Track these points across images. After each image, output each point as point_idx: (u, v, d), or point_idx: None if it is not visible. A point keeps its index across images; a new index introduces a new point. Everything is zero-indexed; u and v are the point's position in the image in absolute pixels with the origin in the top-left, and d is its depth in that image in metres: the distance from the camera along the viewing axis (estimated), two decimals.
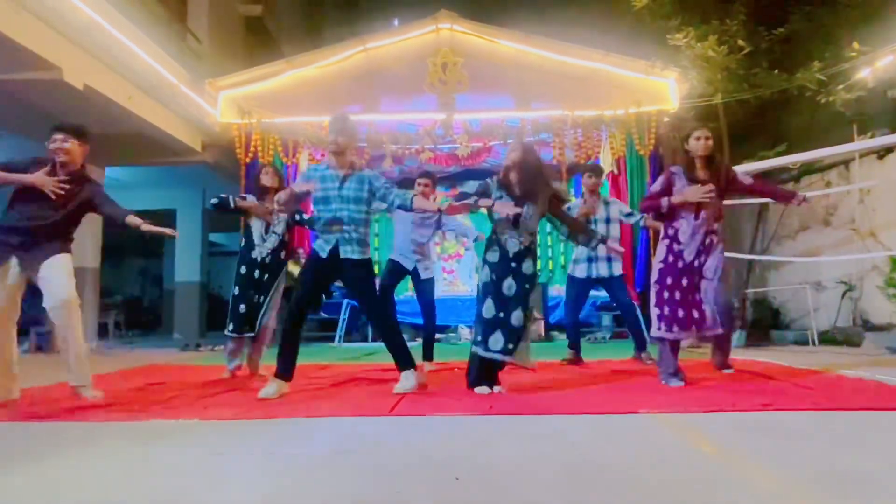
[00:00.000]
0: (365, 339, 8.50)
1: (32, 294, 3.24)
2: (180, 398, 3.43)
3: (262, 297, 4.38)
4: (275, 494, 1.74)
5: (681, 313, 3.56)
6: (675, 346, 3.63)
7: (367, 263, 3.61)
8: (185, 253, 11.78)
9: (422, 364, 4.74)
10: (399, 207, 3.57)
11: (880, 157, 6.40)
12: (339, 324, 8.24)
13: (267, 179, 4.47)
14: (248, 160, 8.13)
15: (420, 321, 5.03)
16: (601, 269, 4.91)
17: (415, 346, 4.39)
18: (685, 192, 3.57)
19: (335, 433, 2.52)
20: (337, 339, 8.20)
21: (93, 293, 8.37)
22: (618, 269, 4.98)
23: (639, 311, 5.25)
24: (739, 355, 5.49)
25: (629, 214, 5.13)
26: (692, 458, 2.06)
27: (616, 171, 8.07)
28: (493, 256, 3.52)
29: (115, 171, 9.04)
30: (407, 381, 3.48)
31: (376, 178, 3.61)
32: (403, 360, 3.56)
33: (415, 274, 4.73)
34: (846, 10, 6.62)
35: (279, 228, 4.43)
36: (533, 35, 7.95)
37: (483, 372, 3.47)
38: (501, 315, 3.41)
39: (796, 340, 6.88)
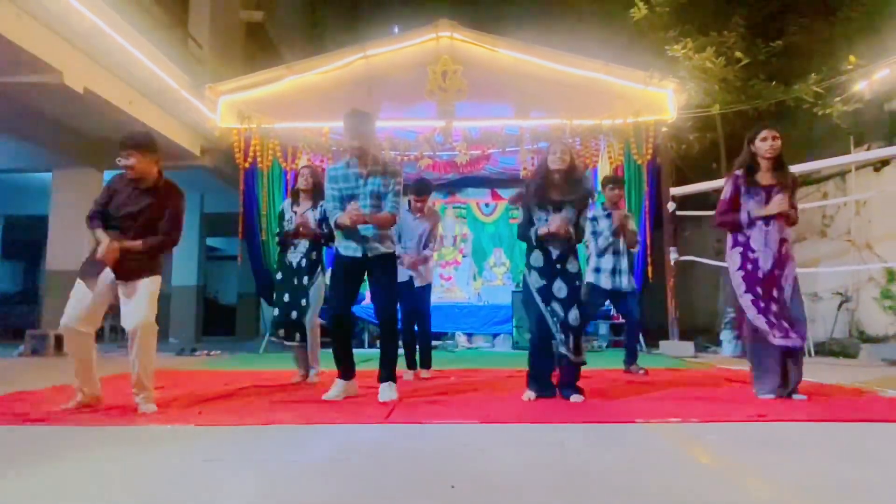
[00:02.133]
0: (361, 346, 8.48)
1: (26, 300, 3.24)
2: (176, 404, 3.42)
3: (300, 301, 4.38)
4: (270, 501, 1.74)
5: (774, 320, 3.31)
6: (782, 356, 3.34)
7: (393, 257, 3.62)
8: (182, 257, 11.76)
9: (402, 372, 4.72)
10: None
11: (876, 170, 6.44)
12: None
13: (302, 182, 4.49)
14: (247, 165, 8.14)
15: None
16: (624, 283, 4.95)
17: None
18: (769, 206, 3.35)
19: (331, 440, 2.52)
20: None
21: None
22: (635, 283, 5.09)
23: (641, 327, 5.34)
24: (736, 366, 5.50)
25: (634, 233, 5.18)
26: (688, 467, 2.07)
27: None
28: (538, 261, 3.48)
29: (113, 175, 9.03)
30: (388, 391, 3.46)
31: (395, 175, 3.55)
32: (388, 371, 3.55)
33: (410, 283, 4.70)
34: (843, 23, 6.69)
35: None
36: (532, 44, 8.00)
37: (570, 380, 3.47)
38: (561, 316, 3.41)
39: None
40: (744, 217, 3.43)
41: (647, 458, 2.19)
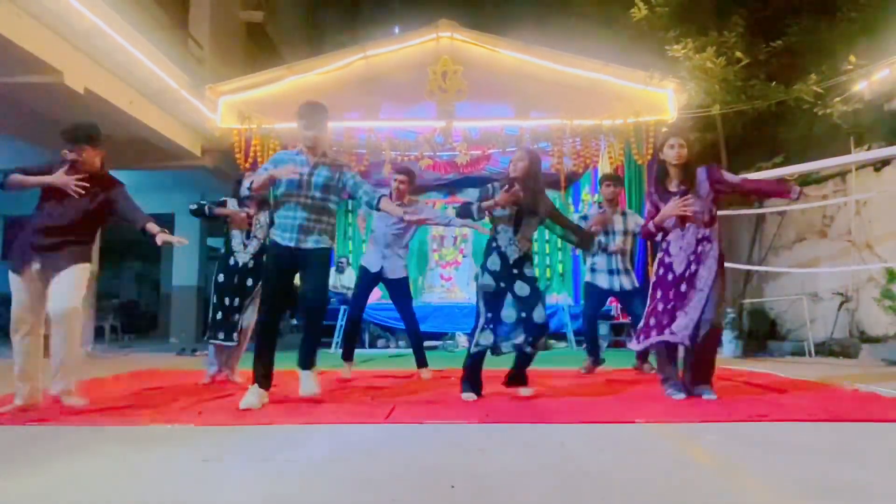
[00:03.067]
0: (361, 346, 8.49)
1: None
2: (176, 403, 3.42)
3: (243, 302, 4.34)
4: (270, 501, 1.74)
5: (652, 321, 3.48)
6: (671, 355, 3.55)
7: (326, 253, 3.50)
8: (182, 257, 11.78)
9: (418, 371, 4.71)
10: (366, 205, 3.52)
11: (877, 170, 6.44)
12: (336, 329, 8.22)
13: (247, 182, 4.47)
14: (247, 165, 8.14)
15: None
16: (624, 283, 4.91)
17: (402, 353, 4.35)
18: (664, 209, 3.50)
19: (330, 440, 2.52)
20: (333, 344, 8.17)
21: (90, 296, 8.36)
22: (636, 282, 5.02)
23: None
24: (736, 366, 5.50)
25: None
26: (687, 468, 2.07)
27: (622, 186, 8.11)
28: (494, 264, 3.53)
29: (113, 175, 9.04)
30: (311, 381, 3.44)
31: (349, 170, 3.56)
32: (308, 359, 3.50)
33: (382, 276, 4.64)
34: (843, 23, 6.68)
35: (260, 233, 4.39)
36: (532, 45, 8.00)
37: (477, 377, 3.60)
38: (524, 315, 3.47)
39: (793, 351, 6.89)
40: (649, 225, 3.60)
41: (647, 458, 2.19)
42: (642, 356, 4.90)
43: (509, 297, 3.53)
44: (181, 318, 11.59)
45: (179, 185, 10.53)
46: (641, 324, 3.59)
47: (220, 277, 4.38)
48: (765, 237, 7.81)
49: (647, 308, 3.59)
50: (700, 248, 3.47)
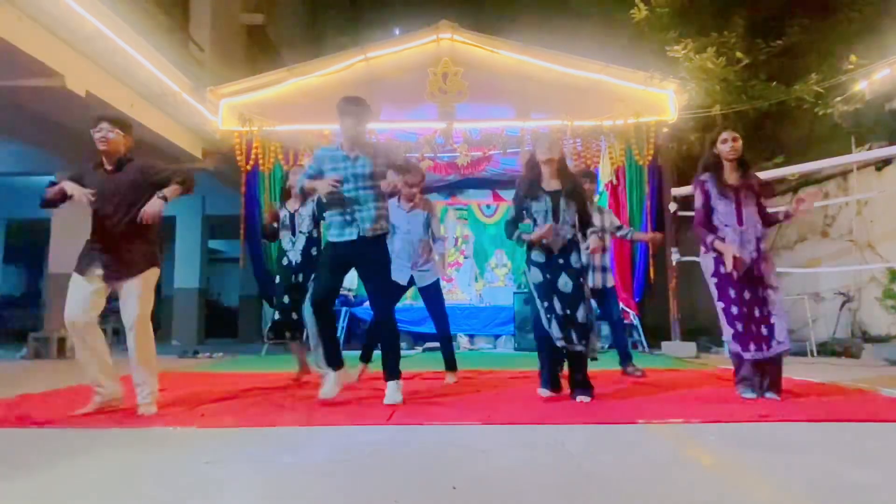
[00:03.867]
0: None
1: (28, 303, 3.23)
2: (178, 405, 3.43)
3: (303, 298, 4.41)
4: (272, 503, 1.74)
5: (754, 329, 3.32)
6: (753, 363, 3.39)
7: (381, 241, 3.52)
8: (184, 259, 11.79)
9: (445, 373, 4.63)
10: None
11: (878, 169, 6.44)
12: (339, 331, 8.23)
13: (294, 179, 4.52)
14: (248, 168, 8.16)
15: (423, 329, 4.87)
16: (596, 280, 4.81)
17: (412, 353, 4.34)
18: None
19: (333, 442, 2.52)
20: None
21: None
22: (610, 281, 4.90)
23: (638, 321, 5.22)
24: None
25: (619, 228, 5.06)
26: (690, 468, 2.07)
27: (615, 182, 8.10)
28: (539, 257, 3.47)
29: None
30: (396, 392, 3.43)
31: (389, 152, 3.66)
32: (392, 370, 3.51)
33: (412, 283, 4.55)
34: (843, 23, 6.69)
35: (304, 227, 4.49)
36: (533, 46, 8.00)
37: (556, 372, 3.55)
38: (569, 312, 3.39)
39: (795, 352, 6.87)
40: (717, 223, 3.45)
41: (649, 459, 2.19)
42: (627, 359, 4.84)
43: (556, 289, 3.41)
44: (183, 320, 11.60)
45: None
46: (731, 329, 3.34)
47: (277, 279, 4.56)
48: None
49: (722, 309, 3.38)
50: (762, 246, 3.39)
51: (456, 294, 9.92)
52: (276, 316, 4.49)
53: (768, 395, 3.34)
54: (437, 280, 4.64)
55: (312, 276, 4.38)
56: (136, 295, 3.17)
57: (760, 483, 1.87)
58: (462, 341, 8.68)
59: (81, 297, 3.12)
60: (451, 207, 10.39)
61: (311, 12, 16.59)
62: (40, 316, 9.26)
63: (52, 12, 5.33)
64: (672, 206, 7.45)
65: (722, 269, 3.38)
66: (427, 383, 4.50)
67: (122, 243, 3.15)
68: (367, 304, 7.27)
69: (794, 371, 4.83)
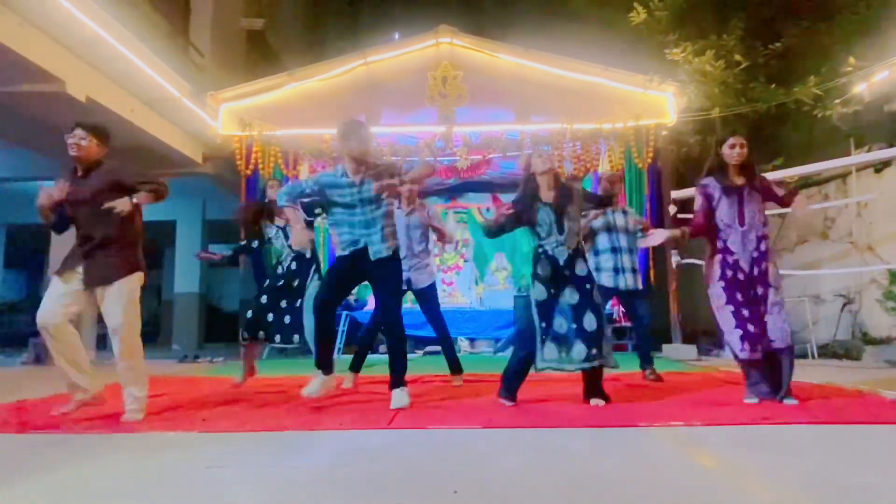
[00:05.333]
0: (374, 351, 8.47)
1: (28, 308, 3.22)
2: (178, 410, 3.43)
3: (297, 302, 4.40)
4: None
5: (754, 329, 3.33)
6: (758, 364, 3.40)
7: (395, 257, 3.55)
8: (184, 264, 11.79)
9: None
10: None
11: (877, 171, 6.44)
12: (338, 335, 8.22)
13: (272, 193, 4.56)
14: (248, 172, 8.17)
15: (424, 333, 4.85)
16: (629, 282, 4.78)
17: (413, 357, 4.33)
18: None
19: (334, 446, 2.52)
20: (336, 350, 8.17)
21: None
22: (641, 283, 4.90)
23: (648, 328, 5.17)
24: (738, 368, 5.48)
25: (638, 231, 5.03)
26: (691, 471, 2.06)
27: (621, 183, 8.12)
28: (545, 270, 3.43)
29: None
30: (401, 398, 3.43)
31: (393, 167, 3.65)
32: (397, 378, 3.52)
33: (408, 285, 4.55)
34: (842, 25, 6.70)
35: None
36: (532, 49, 8.02)
37: (517, 384, 3.48)
38: (574, 326, 3.34)
39: (796, 354, 6.86)
40: (719, 223, 3.46)
41: (650, 463, 2.19)
42: (648, 362, 4.82)
43: (560, 304, 3.37)
44: (183, 324, 11.60)
45: (181, 192, 10.52)
46: (740, 331, 3.34)
47: (266, 281, 4.56)
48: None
49: (732, 312, 3.38)
50: (764, 246, 3.41)
51: (456, 297, 9.91)
52: (249, 314, 4.44)
53: (787, 401, 3.29)
54: (433, 283, 4.66)
55: (310, 282, 4.41)
56: (117, 302, 3.10)
57: (762, 485, 1.86)
58: (463, 345, 8.67)
59: (54, 297, 3.10)
60: (451, 211, 10.39)
61: (312, 17, 16.63)
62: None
63: (53, 18, 5.35)
64: (672, 209, 7.45)
65: (729, 273, 3.40)
66: (428, 387, 4.49)
67: (98, 249, 3.12)
68: (366, 308, 7.28)
69: (796, 373, 4.81)
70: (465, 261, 10.28)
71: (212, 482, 2.00)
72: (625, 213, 4.99)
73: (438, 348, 4.93)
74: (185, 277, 11.84)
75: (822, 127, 6.61)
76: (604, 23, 9.75)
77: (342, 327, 8.28)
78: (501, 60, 8.08)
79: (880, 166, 6.37)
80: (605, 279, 4.82)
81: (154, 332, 14.46)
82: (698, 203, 3.57)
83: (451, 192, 10.19)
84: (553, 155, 3.70)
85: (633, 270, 4.84)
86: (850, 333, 6.72)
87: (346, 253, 3.51)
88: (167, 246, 13.55)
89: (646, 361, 4.82)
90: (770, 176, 6.40)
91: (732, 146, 3.49)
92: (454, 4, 13.73)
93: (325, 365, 3.54)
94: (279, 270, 4.52)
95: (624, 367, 5.24)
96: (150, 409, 3.34)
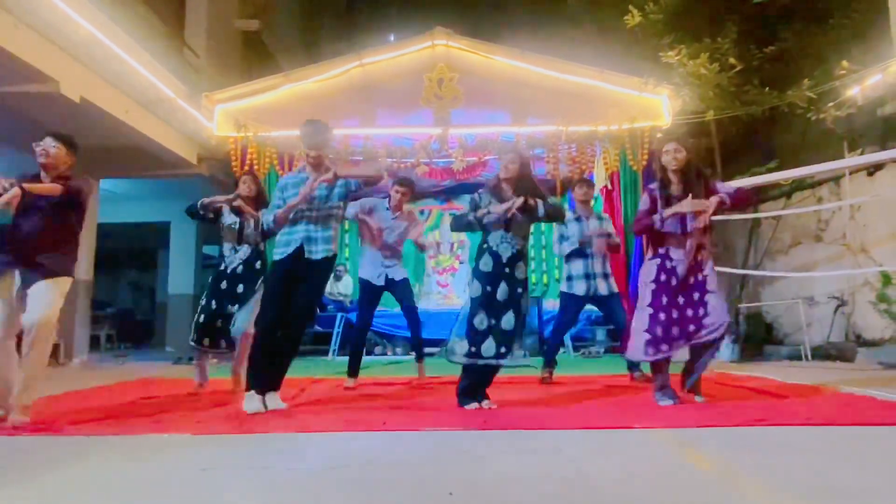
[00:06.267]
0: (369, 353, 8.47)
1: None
2: (172, 412, 3.41)
3: (235, 307, 4.35)
4: None
5: (675, 331, 3.42)
6: (667, 362, 3.52)
7: (330, 262, 3.52)
8: (178, 265, 11.74)
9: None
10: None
11: (870, 174, 6.48)
12: (333, 337, 8.21)
13: (244, 189, 4.48)
14: (243, 173, 8.13)
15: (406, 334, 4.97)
16: (601, 287, 4.79)
17: (405, 359, 4.34)
18: (678, 204, 3.45)
19: (328, 448, 2.51)
20: (331, 352, 8.16)
21: (85, 306, 8.32)
22: (615, 287, 4.91)
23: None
24: (733, 370, 5.51)
25: (610, 235, 5.03)
26: (687, 473, 2.07)
27: (609, 187, 8.14)
28: (486, 265, 3.46)
29: (109, 183, 9.05)
30: (276, 401, 3.41)
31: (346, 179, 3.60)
32: (275, 380, 3.49)
33: (390, 284, 4.70)
34: (835, 29, 6.74)
35: (251, 239, 4.41)
36: (528, 52, 8.04)
37: (472, 387, 3.46)
38: (493, 322, 3.37)
39: (790, 355, 6.90)
40: (656, 219, 3.52)
41: (645, 464, 2.19)
42: (634, 365, 4.83)
43: (491, 300, 3.39)
44: (177, 326, 11.53)
45: (175, 193, 10.49)
46: (649, 335, 3.43)
47: (210, 279, 4.51)
48: (760, 242, 7.84)
49: (650, 315, 3.46)
50: (700, 256, 3.48)
51: (451, 299, 9.92)
52: (202, 319, 4.38)
53: (697, 398, 3.46)
54: (407, 277, 4.86)
55: (255, 290, 4.35)
56: (48, 292, 3.03)
57: (756, 486, 1.87)
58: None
59: None
60: (447, 212, 10.39)
61: (307, 18, 16.61)
62: None
63: (47, 18, 5.32)
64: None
65: (662, 277, 3.49)
66: (423, 390, 4.49)
67: (35, 252, 3.05)
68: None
69: (789, 375, 4.84)
70: (461, 262, 10.29)
71: (206, 484, 1.99)
72: (600, 219, 5.01)
73: (437, 349, 5.15)
74: (179, 279, 11.79)
75: (816, 130, 6.64)
76: (599, 26, 9.79)
77: (337, 328, 8.28)
78: (497, 62, 8.09)
79: (873, 169, 6.41)
80: (578, 288, 4.83)
81: (148, 334, 14.40)
82: (644, 202, 3.66)
83: (447, 194, 10.19)
84: (523, 159, 3.69)
85: (605, 275, 4.86)
86: (843, 335, 6.76)
87: (284, 257, 3.48)
88: (161, 247, 13.50)
89: (633, 364, 4.80)
90: (764, 179, 6.48)
91: (667, 152, 3.57)
92: (450, 7, 13.74)
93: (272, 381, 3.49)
94: (222, 266, 4.42)
95: (616, 369, 5.27)
96: (145, 411, 3.33)
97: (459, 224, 3.60)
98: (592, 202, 5.47)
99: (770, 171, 6.70)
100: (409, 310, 4.79)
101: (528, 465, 2.18)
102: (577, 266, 4.83)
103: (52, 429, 2.90)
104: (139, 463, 2.32)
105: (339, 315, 8.40)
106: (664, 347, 3.42)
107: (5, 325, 3.03)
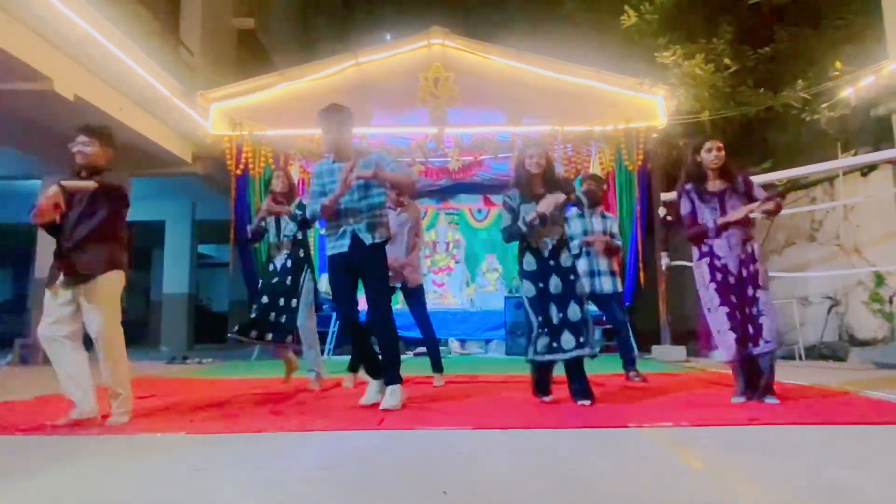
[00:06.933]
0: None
1: (14, 309, 3.14)
2: (167, 412, 3.40)
3: (292, 301, 4.38)
4: None
5: (743, 331, 3.38)
6: (744, 364, 3.43)
7: (381, 248, 3.50)
8: (173, 264, 11.70)
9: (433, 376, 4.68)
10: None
11: (864, 175, 6.52)
12: (329, 336, 8.19)
13: (277, 184, 4.54)
14: (238, 172, 8.12)
15: (412, 334, 4.90)
16: (605, 286, 4.77)
17: (405, 358, 4.34)
18: (734, 213, 3.42)
19: (323, 447, 2.51)
20: (326, 351, 8.14)
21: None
22: (619, 285, 4.90)
23: (629, 329, 5.15)
24: (728, 370, 5.51)
25: (613, 236, 5.03)
26: (680, 472, 2.08)
27: (605, 187, 8.16)
28: (530, 264, 3.48)
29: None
30: (393, 396, 3.40)
31: (384, 158, 3.57)
32: (392, 374, 3.51)
33: (401, 287, 4.61)
34: (829, 31, 6.78)
35: (289, 230, 4.46)
36: (524, 52, 8.05)
37: (542, 380, 3.56)
38: (562, 315, 3.40)
39: (783, 355, 6.93)
40: (710, 225, 3.48)
41: (640, 464, 2.20)
42: (631, 364, 4.83)
43: (548, 295, 3.43)
44: (172, 325, 11.51)
45: (170, 192, 10.48)
46: (734, 334, 3.36)
47: (261, 282, 4.58)
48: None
49: (726, 314, 3.40)
50: (750, 248, 3.46)
51: (447, 299, 9.92)
52: (253, 314, 4.42)
53: (768, 399, 3.33)
54: (421, 286, 4.72)
55: (303, 280, 4.41)
56: (102, 298, 3.04)
57: (750, 486, 1.88)
58: (453, 346, 8.68)
59: (51, 312, 3.05)
60: (443, 212, 10.39)
61: (303, 17, 16.58)
62: (27, 321, 9.15)
63: (41, 15, 5.29)
64: (661, 211, 7.51)
65: (719, 276, 3.44)
66: (417, 388, 4.48)
67: (75, 250, 3.06)
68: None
69: (783, 374, 4.85)
70: (456, 262, 10.29)
71: (201, 484, 1.99)
72: (604, 217, 4.97)
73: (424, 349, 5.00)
74: (173, 278, 11.75)
75: (810, 131, 6.68)
76: (595, 26, 9.81)
77: (332, 327, 8.26)
78: (493, 62, 8.10)
79: (867, 170, 6.45)
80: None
81: (142, 333, 14.35)
82: (686, 208, 3.61)
83: (443, 194, 10.19)
84: (548, 154, 3.70)
85: (611, 273, 4.83)
86: (836, 335, 6.79)
87: (344, 251, 3.47)
88: (156, 246, 13.45)
89: (629, 363, 4.81)
90: (758, 179, 6.49)
91: (710, 150, 3.53)
92: (446, 6, 13.75)
93: (372, 373, 3.61)
94: (270, 267, 4.51)
95: (609, 369, 5.28)
96: (139, 411, 3.31)
97: (512, 236, 3.57)
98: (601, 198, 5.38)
99: (765, 171, 6.73)
100: (422, 319, 4.68)
101: (522, 464, 2.18)
102: (582, 263, 4.76)
103: (45, 428, 2.88)
104: (134, 462, 2.31)
105: (333, 314, 8.38)
106: (747, 348, 3.37)
107: (62, 324, 3.03)
